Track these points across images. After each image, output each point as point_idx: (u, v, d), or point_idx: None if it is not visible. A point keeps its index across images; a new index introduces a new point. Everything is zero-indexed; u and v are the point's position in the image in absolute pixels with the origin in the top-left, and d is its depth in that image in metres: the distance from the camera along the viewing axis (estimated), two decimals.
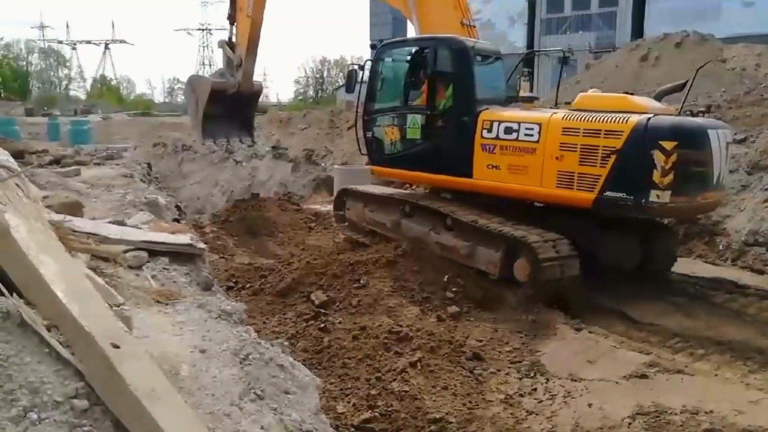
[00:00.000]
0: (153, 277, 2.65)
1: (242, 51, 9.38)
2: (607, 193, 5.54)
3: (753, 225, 7.63)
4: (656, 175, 5.30)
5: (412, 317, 4.75)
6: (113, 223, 3.20)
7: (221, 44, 10.03)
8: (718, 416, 3.49)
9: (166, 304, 2.38)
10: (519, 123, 6.20)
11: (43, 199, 3.15)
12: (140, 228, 3.26)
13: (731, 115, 10.19)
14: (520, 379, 4.08)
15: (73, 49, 72.44)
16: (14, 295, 1.71)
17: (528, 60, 28.32)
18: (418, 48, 7.29)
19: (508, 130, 6.24)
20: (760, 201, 7.89)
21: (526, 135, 6.09)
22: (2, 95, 51.61)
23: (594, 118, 5.70)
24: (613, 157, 5.47)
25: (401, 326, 4.43)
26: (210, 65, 65.29)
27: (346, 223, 8.32)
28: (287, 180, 14.09)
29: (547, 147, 5.92)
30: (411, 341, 4.24)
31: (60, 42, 70.97)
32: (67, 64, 72.61)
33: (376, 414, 3.42)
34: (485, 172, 6.44)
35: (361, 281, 5.33)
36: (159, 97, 74.55)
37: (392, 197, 7.69)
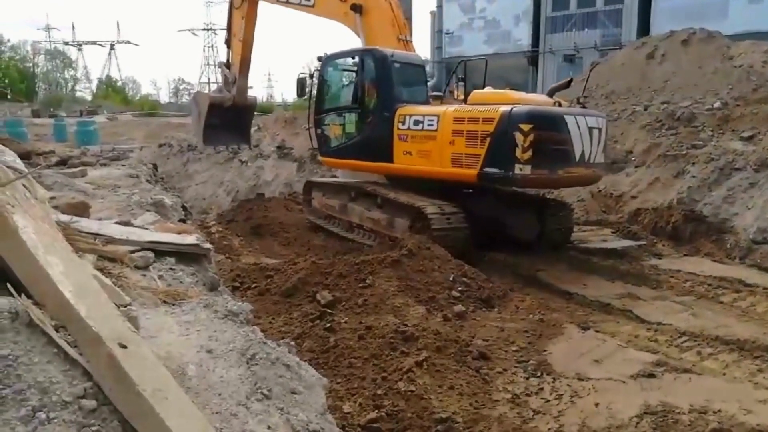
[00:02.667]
0: (159, 277, 2.66)
1: (236, 69, 10.83)
2: (486, 169, 6.82)
3: (761, 223, 7.59)
4: (518, 152, 6.51)
5: (418, 317, 4.74)
6: (120, 223, 3.21)
7: (220, 65, 11.70)
8: (726, 415, 3.47)
9: (173, 305, 2.39)
10: (423, 116, 7.60)
11: (50, 199, 3.16)
12: (146, 228, 3.27)
13: (738, 113, 10.13)
14: (527, 378, 4.07)
15: (79, 50, 72.90)
16: (22, 295, 1.72)
17: (534, 58, 28.28)
18: (352, 58, 8.74)
19: (416, 122, 7.65)
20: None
21: (428, 125, 7.48)
22: (9, 97, 51.90)
23: (476, 109, 7.03)
24: (488, 139, 6.75)
25: (407, 326, 4.42)
26: (214, 65, 65.39)
27: (311, 209, 9.87)
28: (292, 180, 14.11)
29: (443, 134, 7.26)
30: (417, 341, 4.23)
31: (66, 43, 71.46)
32: (73, 65, 73.09)
33: (383, 414, 3.41)
34: (402, 158, 7.86)
35: (367, 281, 5.32)
36: (164, 98, 74.94)
37: (341, 184, 9.25)
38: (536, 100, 7.50)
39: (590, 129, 6.99)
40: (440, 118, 7.34)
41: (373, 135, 8.24)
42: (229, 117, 11.04)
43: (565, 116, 6.83)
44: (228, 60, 11.20)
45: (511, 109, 6.68)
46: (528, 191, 8.93)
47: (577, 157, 6.88)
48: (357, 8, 8.68)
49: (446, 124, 7.25)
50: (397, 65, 8.23)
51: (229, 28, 11.11)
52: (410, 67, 8.63)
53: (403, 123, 7.79)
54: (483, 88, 9.00)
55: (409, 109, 7.92)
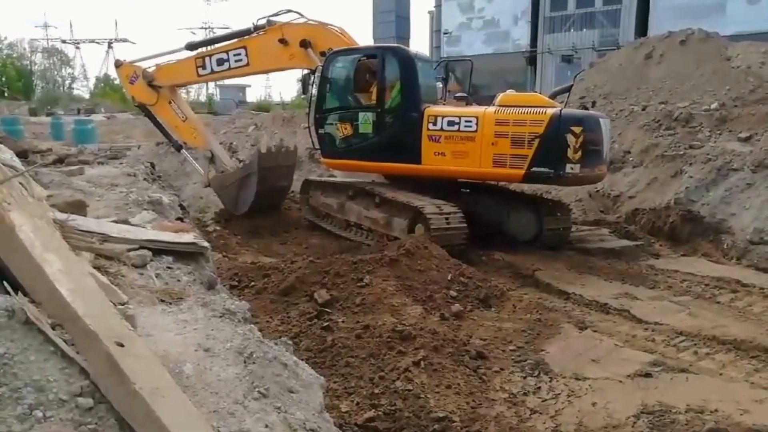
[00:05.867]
0: (157, 275, 2.65)
1: (206, 144, 10.22)
2: (534, 169, 7.07)
3: (758, 223, 7.61)
4: (570, 153, 6.91)
5: (416, 316, 4.74)
6: (117, 222, 3.20)
7: (214, 179, 10.36)
8: (723, 415, 3.48)
9: (170, 303, 2.38)
10: (459, 117, 7.56)
11: (47, 198, 3.15)
12: (144, 227, 3.26)
13: (736, 114, 10.15)
14: (524, 377, 4.08)
15: (77, 48, 72.61)
16: (19, 293, 1.72)
17: (532, 58, 28.30)
18: (367, 56, 8.38)
19: (451, 123, 7.59)
20: (765, 199, 7.87)
21: (465, 126, 7.48)
22: (6, 95, 51.75)
23: (519, 112, 7.23)
24: (537, 140, 6.99)
25: (405, 325, 4.42)
26: None
27: (308, 207, 9.75)
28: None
29: (484, 135, 7.35)
30: (414, 340, 4.23)
31: (63, 41, 71.14)
32: (71, 63, 72.79)
33: (380, 413, 3.41)
34: (432, 159, 7.75)
35: (365, 280, 5.31)
36: None
37: (339, 183, 9.24)
38: (555, 103, 7.72)
39: (609, 130, 7.73)
40: (480, 119, 7.38)
41: (397, 135, 8.00)
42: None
43: (599, 119, 7.44)
44: (193, 150, 10.62)
45: (561, 111, 7.03)
46: (526, 191, 8.97)
47: (604, 156, 7.62)
48: (307, 44, 8.44)
49: (487, 125, 7.31)
50: (420, 65, 8.17)
51: (162, 130, 10.49)
52: (427, 67, 8.69)
53: (434, 123, 7.68)
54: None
55: (441, 109, 7.87)
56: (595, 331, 4.92)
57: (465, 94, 8.61)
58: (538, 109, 7.14)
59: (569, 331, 4.88)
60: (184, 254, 2.97)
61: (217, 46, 9.47)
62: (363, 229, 8.42)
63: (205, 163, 10.35)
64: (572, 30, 27.11)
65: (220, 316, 2.34)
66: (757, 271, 7.01)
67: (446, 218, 7.03)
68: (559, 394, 3.84)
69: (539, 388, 3.94)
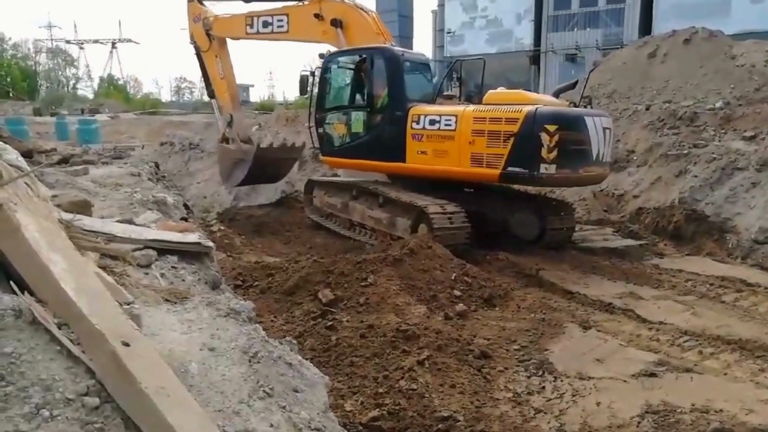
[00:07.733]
0: (161, 275, 2.66)
1: (230, 107, 10.88)
2: (510, 169, 6.93)
3: (763, 223, 7.57)
4: (544, 152, 6.70)
5: (420, 315, 4.74)
6: (122, 221, 3.21)
7: (220, 146, 11.37)
8: (728, 415, 3.47)
9: (175, 303, 2.39)
10: (440, 115, 7.59)
11: (53, 198, 3.16)
12: (148, 227, 3.27)
13: (740, 113, 10.11)
14: (528, 377, 4.07)
15: (81, 48, 72.65)
16: (25, 293, 1.72)
17: (535, 57, 28.23)
18: (358, 56, 8.53)
19: (432, 122, 7.62)
20: None
21: (445, 125, 7.47)
22: (11, 95, 51.94)
23: (497, 110, 7.13)
24: (512, 139, 6.86)
25: (409, 324, 4.42)
26: None
27: (312, 207, 9.91)
28: (294, 178, 14.08)
29: (462, 134, 7.31)
30: (418, 339, 4.23)
31: (68, 41, 71.21)
32: (75, 63, 73.00)
33: (384, 412, 3.41)
34: (416, 157, 7.82)
35: (369, 279, 5.32)
36: (166, 96, 74.82)
37: (342, 183, 9.32)
38: (549, 101, 7.61)
39: (604, 129, 7.32)
40: (459, 117, 7.34)
41: (384, 134, 8.14)
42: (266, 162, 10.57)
43: (585, 117, 7.12)
44: (219, 107, 11.08)
45: (536, 109, 6.82)
46: (530, 190, 8.96)
47: (594, 157, 7.19)
48: (337, 23, 8.68)
49: (465, 123, 7.27)
50: (408, 64, 8.24)
51: (205, 75, 11.16)
52: (419, 66, 8.73)
53: (418, 122, 7.75)
54: (481, 87, 9.09)
55: (424, 108, 7.88)
56: (599, 331, 4.91)
57: (453, 93, 8.72)
58: (515, 107, 6.98)
59: (573, 331, 4.87)
60: (189, 254, 2.97)
61: (265, 7, 10.01)
62: (366, 229, 8.45)
63: (224, 123, 11.00)
64: (576, 29, 27.05)
65: (225, 316, 2.34)
66: (762, 270, 6.98)
67: (449, 218, 7.03)
68: (564, 393, 3.84)
69: (543, 387, 3.93)
